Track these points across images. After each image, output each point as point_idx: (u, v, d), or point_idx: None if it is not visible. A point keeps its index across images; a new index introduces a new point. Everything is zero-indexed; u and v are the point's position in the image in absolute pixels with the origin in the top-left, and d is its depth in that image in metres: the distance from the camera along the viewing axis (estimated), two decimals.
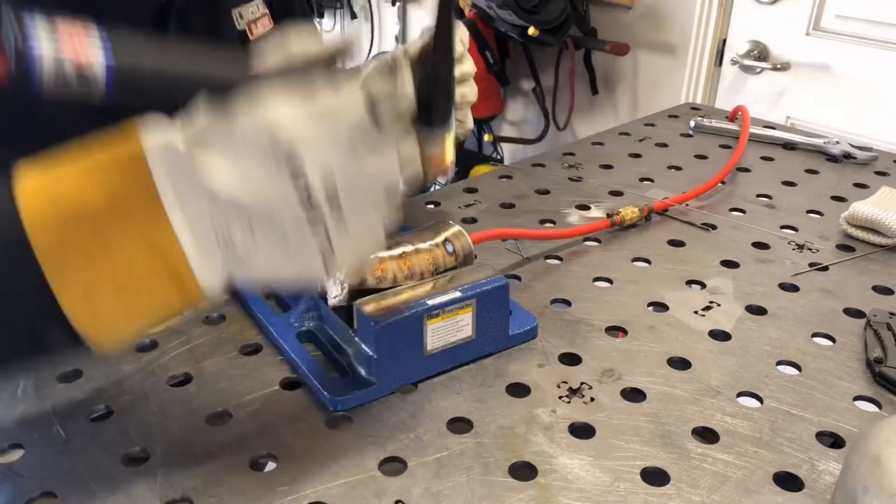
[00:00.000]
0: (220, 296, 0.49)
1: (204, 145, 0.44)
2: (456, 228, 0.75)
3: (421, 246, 0.72)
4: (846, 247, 0.96)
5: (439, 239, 0.73)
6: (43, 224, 0.45)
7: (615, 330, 0.79)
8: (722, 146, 1.26)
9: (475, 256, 0.76)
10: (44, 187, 0.46)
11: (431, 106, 0.51)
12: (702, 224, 1.00)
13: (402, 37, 2.93)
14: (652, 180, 1.13)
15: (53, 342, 0.48)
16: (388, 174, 0.48)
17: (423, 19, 2.83)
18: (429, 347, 0.69)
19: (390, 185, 0.48)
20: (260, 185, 0.44)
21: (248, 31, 0.83)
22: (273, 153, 0.43)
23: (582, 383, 0.71)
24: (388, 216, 0.49)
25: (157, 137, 0.45)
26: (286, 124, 0.43)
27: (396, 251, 0.70)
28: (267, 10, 0.87)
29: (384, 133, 0.46)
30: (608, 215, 0.98)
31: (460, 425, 0.66)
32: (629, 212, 0.98)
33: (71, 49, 0.35)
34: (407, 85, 0.50)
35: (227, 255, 0.47)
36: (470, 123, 0.73)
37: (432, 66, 0.50)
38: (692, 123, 1.32)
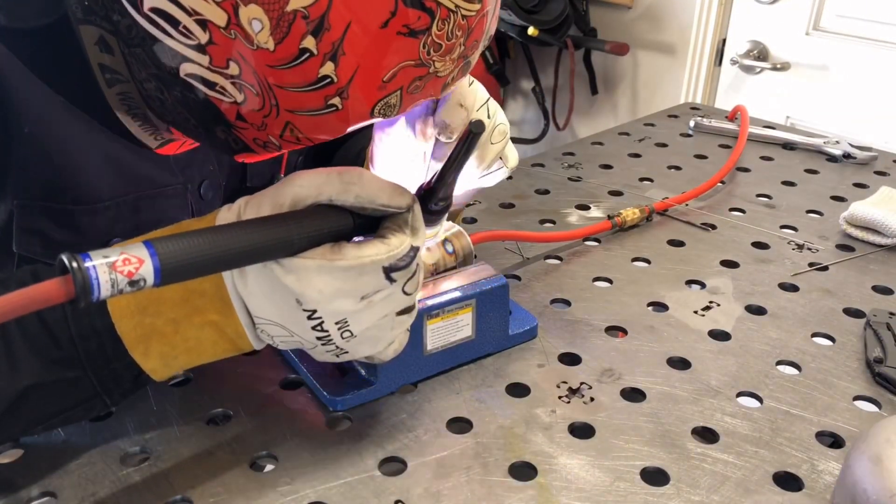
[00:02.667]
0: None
1: (246, 279, 0.53)
2: (456, 228, 0.75)
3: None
4: (846, 247, 0.96)
5: (439, 239, 0.73)
6: (126, 314, 0.54)
7: (615, 330, 0.79)
8: (721, 146, 1.26)
9: (475, 256, 0.76)
10: None
11: (429, 205, 0.58)
12: (702, 224, 1.00)
13: None
14: (651, 180, 1.13)
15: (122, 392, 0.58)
16: (398, 306, 0.56)
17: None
18: (428, 347, 0.69)
19: (400, 300, 0.55)
20: (287, 319, 0.54)
21: None
22: (298, 306, 0.52)
23: (582, 383, 0.71)
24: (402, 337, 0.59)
25: None
26: (308, 290, 0.51)
27: None
28: None
29: (398, 286, 0.54)
30: (609, 217, 0.98)
31: (460, 425, 0.66)
32: (630, 213, 0.98)
33: (123, 268, 0.43)
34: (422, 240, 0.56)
35: None
36: (512, 161, 0.76)
37: (438, 180, 0.57)
38: (692, 123, 1.32)
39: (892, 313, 0.79)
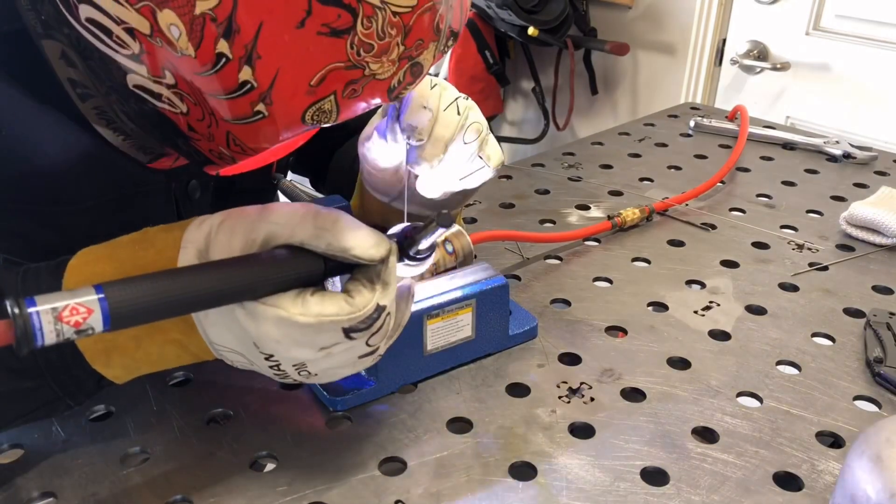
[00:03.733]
0: None
1: (208, 314, 0.52)
2: (456, 228, 0.75)
3: None
4: (846, 247, 0.96)
5: (439, 239, 0.73)
6: None
7: (615, 330, 0.79)
8: (721, 146, 1.26)
9: (475, 256, 0.76)
10: None
11: (408, 251, 0.56)
12: (702, 224, 1.00)
13: None
14: (652, 180, 1.13)
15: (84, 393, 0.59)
16: (359, 353, 0.54)
17: None
18: (428, 347, 0.69)
19: (362, 351, 0.54)
20: (246, 351, 0.53)
21: None
22: (256, 348, 0.52)
23: (582, 383, 0.71)
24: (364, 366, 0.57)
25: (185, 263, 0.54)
26: (265, 338, 0.51)
27: None
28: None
29: (360, 341, 0.53)
30: (609, 217, 0.98)
31: (460, 425, 0.66)
32: (630, 213, 0.98)
33: (70, 318, 0.42)
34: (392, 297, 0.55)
35: None
36: (495, 159, 0.71)
37: (418, 231, 0.55)
38: (692, 123, 1.32)
39: (892, 313, 0.79)
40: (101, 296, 0.43)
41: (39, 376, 0.55)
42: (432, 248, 0.57)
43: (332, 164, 0.93)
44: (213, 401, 0.68)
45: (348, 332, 0.51)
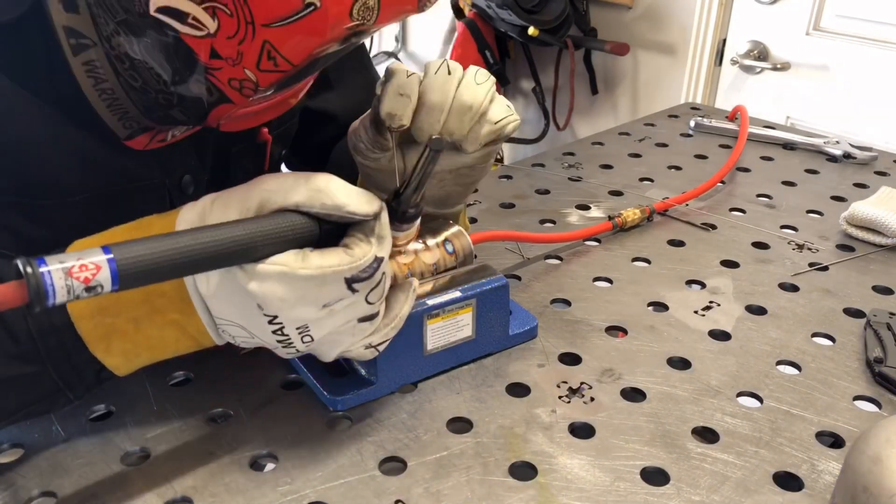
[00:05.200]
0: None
1: (208, 281, 0.53)
2: (456, 228, 0.75)
3: (420, 246, 0.72)
4: (846, 247, 0.96)
5: (439, 239, 0.73)
6: (86, 314, 0.55)
7: (615, 330, 0.79)
8: (722, 146, 1.26)
9: (475, 256, 0.76)
10: None
11: (398, 211, 0.59)
12: (702, 224, 1.00)
13: (401, 36, 2.93)
14: (652, 180, 1.13)
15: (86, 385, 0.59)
16: (360, 314, 0.56)
17: (423, 19, 2.83)
18: (429, 347, 0.69)
19: (363, 309, 0.56)
20: (248, 322, 0.54)
21: None
22: (259, 311, 0.53)
23: (582, 383, 0.71)
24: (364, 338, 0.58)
25: None
26: (270, 297, 0.52)
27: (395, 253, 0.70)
28: None
29: (360, 296, 0.54)
30: (609, 217, 0.98)
31: (460, 425, 0.66)
32: (631, 213, 0.98)
33: (79, 274, 0.43)
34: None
35: None
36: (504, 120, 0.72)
37: (405, 187, 0.58)
38: (692, 123, 1.32)
39: (892, 313, 0.79)
40: (110, 256, 0.44)
41: (39, 362, 0.55)
42: (418, 207, 0.60)
43: (331, 161, 0.93)
44: (213, 401, 0.68)
45: (350, 283, 0.52)
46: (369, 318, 0.57)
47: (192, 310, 0.55)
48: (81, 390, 0.58)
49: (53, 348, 0.55)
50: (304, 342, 0.55)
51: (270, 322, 0.53)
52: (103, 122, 0.64)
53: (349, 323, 0.56)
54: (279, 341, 0.55)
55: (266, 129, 0.78)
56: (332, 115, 0.91)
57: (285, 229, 0.51)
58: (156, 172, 0.71)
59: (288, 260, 0.51)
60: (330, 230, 0.54)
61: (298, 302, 0.52)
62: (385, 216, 0.55)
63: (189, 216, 0.54)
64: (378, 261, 0.53)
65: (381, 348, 0.60)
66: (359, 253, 0.52)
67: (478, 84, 0.68)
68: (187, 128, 0.69)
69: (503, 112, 0.70)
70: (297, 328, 0.54)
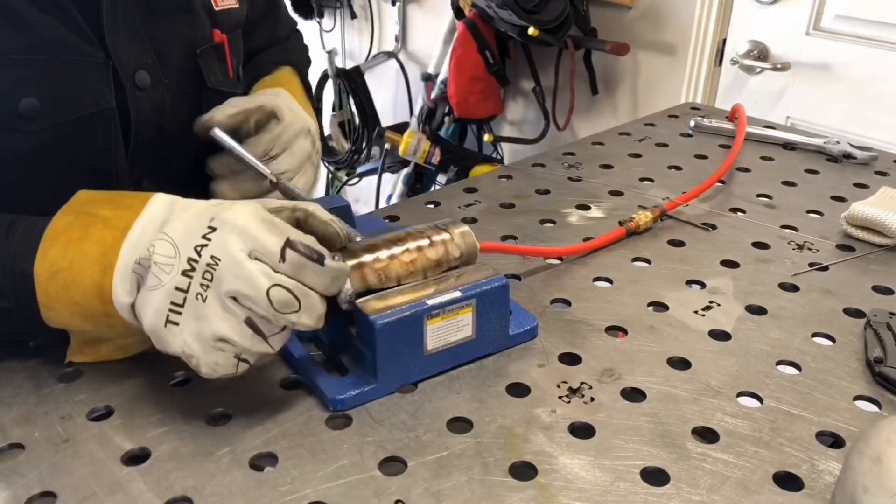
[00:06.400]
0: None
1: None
2: (463, 228, 0.74)
3: (424, 244, 0.72)
4: (846, 247, 0.96)
5: (444, 237, 0.73)
6: (70, 210, 0.64)
7: (615, 330, 0.79)
8: (722, 146, 1.26)
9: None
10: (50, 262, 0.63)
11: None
12: (702, 224, 1.00)
13: (401, 36, 2.93)
14: (652, 180, 1.13)
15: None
16: (238, 318, 0.61)
17: (423, 19, 2.83)
18: (429, 347, 0.69)
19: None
20: (184, 237, 0.61)
21: (212, 3, 0.89)
22: (206, 223, 0.61)
23: (582, 383, 0.71)
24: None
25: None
26: (227, 213, 0.61)
27: (399, 250, 0.70)
28: None
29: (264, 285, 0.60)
30: (621, 223, 0.97)
31: (460, 425, 0.66)
32: (643, 217, 0.97)
33: None
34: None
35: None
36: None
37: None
38: (692, 123, 1.32)
39: (892, 313, 0.79)
40: None
41: (11, 300, 0.63)
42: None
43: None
44: (213, 401, 0.68)
45: (284, 249, 0.59)
46: (226, 340, 0.59)
47: (122, 235, 0.61)
48: (41, 336, 0.66)
49: (20, 290, 0.62)
50: (202, 284, 0.59)
51: (203, 237, 0.59)
52: None
53: (218, 320, 0.59)
54: (183, 272, 0.59)
55: (217, 31, 0.85)
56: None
57: None
58: (99, 52, 0.73)
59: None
60: None
61: (242, 229, 0.59)
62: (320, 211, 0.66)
63: (163, 197, 0.62)
64: (317, 254, 0.60)
65: (252, 361, 0.62)
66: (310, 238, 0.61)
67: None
68: None
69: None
70: (209, 262, 0.59)
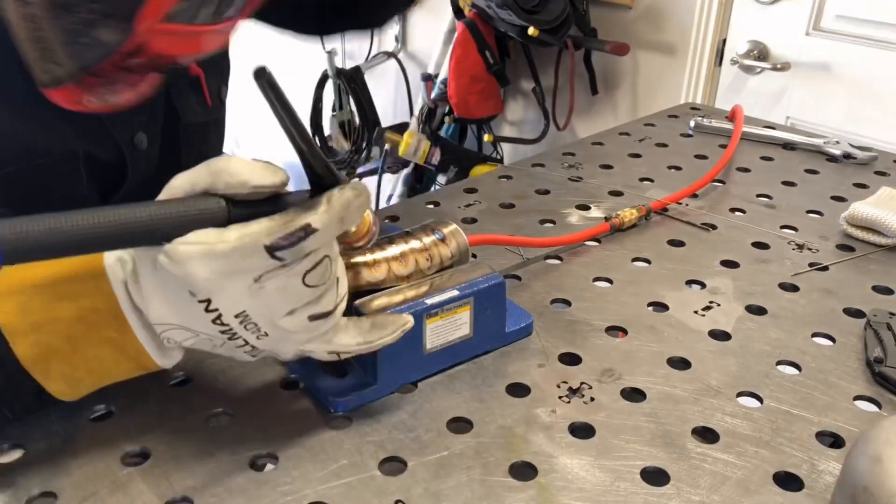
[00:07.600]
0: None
1: (140, 285, 0.53)
2: (452, 227, 0.74)
3: (416, 244, 0.72)
4: (846, 247, 0.96)
5: (435, 237, 0.73)
6: (20, 332, 0.53)
7: (615, 330, 0.79)
8: (721, 146, 1.26)
9: (474, 255, 0.76)
10: (16, 301, 0.54)
11: (313, 176, 0.54)
12: (702, 224, 1.00)
13: (401, 36, 2.93)
14: (652, 180, 1.13)
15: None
16: (301, 299, 0.54)
17: (423, 19, 2.83)
18: (428, 346, 0.69)
19: (301, 293, 0.53)
20: (186, 318, 0.53)
21: None
22: (193, 299, 0.51)
23: (582, 383, 0.71)
24: (313, 309, 0.55)
25: (112, 257, 0.54)
26: (196, 278, 0.50)
27: (393, 250, 0.70)
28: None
29: (287, 264, 0.52)
30: (606, 218, 0.98)
31: (460, 425, 0.66)
32: (628, 213, 0.98)
33: None
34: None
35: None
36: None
37: (299, 152, 0.54)
38: (692, 123, 1.32)
39: (892, 313, 0.79)
40: None
41: None
42: (326, 165, 0.56)
43: None
44: (213, 401, 0.68)
45: (272, 251, 0.50)
46: (321, 316, 0.55)
47: (126, 327, 0.53)
48: (19, 411, 0.58)
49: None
50: (248, 330, 0.53)
51: (207, 310, 0.52)
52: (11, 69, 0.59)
53: (295, 314, 0.53)
54: (222, 332, 0.53)
55: (192, 64, 0.77)
56: None
57: (193, 210, 0.50)
58: (66, 144, 0.69)
59: (205, 237, 0.49)
60: (251, 212, 0.51)
61: (225, 279, 0.50)
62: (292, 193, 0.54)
63: (113, 276, 0.53)
64: (307, 230, 0.50)
65: (343, 356, 0.59)
66: (279, 220, 0.50)
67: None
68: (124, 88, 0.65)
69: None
70: (236, 315, 0.52)
